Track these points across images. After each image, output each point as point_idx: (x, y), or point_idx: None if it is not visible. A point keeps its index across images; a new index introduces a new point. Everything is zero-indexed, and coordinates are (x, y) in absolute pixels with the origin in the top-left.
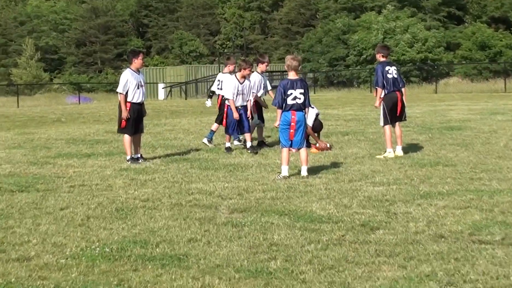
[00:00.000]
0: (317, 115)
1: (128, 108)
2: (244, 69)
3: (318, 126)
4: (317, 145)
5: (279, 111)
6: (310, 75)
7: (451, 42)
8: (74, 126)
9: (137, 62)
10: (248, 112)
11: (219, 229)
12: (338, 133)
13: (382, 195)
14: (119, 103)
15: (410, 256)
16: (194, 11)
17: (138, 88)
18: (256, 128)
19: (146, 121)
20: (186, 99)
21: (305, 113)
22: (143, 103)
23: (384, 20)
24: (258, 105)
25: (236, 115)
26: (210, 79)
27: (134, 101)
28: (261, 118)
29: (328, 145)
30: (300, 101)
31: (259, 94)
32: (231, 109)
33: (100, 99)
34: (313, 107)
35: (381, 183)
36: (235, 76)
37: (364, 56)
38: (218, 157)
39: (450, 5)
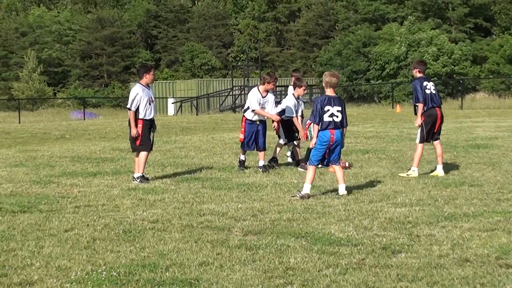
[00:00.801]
0: None
1: (141, 125)
2: (268, 83)
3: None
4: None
5: (316, 128)
6: None
7: (477, 55)
8: (79, 143)
9: (148, 77)
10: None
11: (232, 252)
12: (358, 151)
13: (404, 216)
14: (129, 120)
15: (434, 281)
16: (206, 22)
17: (149, 104)
18: (291, 146)
19: (155, 138)
20: (197, 114)
21: (343, 132)
22: (153, 118)
23: (407, 31)
24: (289, 125)
25: (275, 117)
26: (223, 94)
27: (146, 117)
28: (289, 137)
29: (347, 164)
30: (337, 119)
31: (273, 112)
32: (249, 123)
33: (106, 114)
34: None
35: (403, 204)
36: (258, 89)
37: (387, 70)
38: (231, 176)
39: (477, 16)
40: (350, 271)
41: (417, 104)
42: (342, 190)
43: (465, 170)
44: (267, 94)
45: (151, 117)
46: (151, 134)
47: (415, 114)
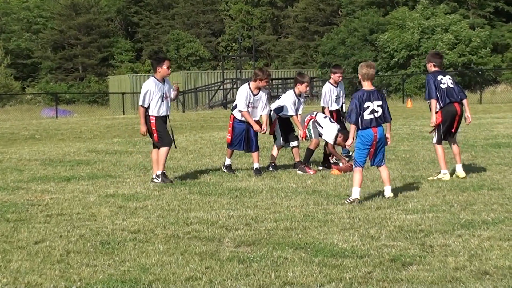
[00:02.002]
0: (338, 130)
1: (153, 121)
2: (261, 79)
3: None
4: (340, 164)
5: (353, 127)
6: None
7: (498, 43)
8: (51, 145)
9: (161, 70)
10: (263, 127)
11: (223, 265)
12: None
13: (416, 224)
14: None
15: None
16: (193, 7)
17: (162, 100)
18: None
19: (136, 138)
20: (183, 111)
21: (387, 128)
22: (168, 116)
23: (420, 17)
24: (286, 124)
25: (256, 127)
26: (212, 88)
27: (159, 114)
28: (287, 138)
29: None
30: (378, 115)
31: (264, 113)
32: (238, 122)
33: (81, 112)
34: (333, 122)
35: (415, 211)
36: (248, 85)
37: (396, 59)
38: (221, 180)
39: None
40: (355, 285)
41: (429, 101)
42: (388, 192)
43: (484, 172)
44: (259, 91)
45: (164, 114)
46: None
47: (431, 111)
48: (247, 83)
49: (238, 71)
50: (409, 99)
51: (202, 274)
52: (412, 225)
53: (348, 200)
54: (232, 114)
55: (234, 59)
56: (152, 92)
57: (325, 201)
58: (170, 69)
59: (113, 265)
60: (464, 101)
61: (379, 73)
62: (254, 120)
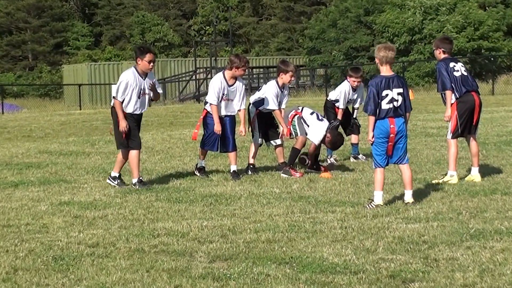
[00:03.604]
0: (328, 129)
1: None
2: (237, 67)
3: (338, 141)
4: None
5: (372, 119)
6: (321, 71)
7: None
8: None
9: (141, 64)
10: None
11: (195, 283)
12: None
13: (418, 235)
14: (112, 109)
15: None
16: None
17: (139, 97)
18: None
19: (94, 136)
20: (149, 105)
21: (406, 119)
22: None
23: None
24: (268, 120)
25: (217, 127)
26: (183, 78)
27: (129, 111)
28: (268, 136)
29: (332, 160)
30: (398, 104)
31: (242, 107)
32: (211, 117)
33: (31, 106)
34: (322, 119)
35: (417, 219)
36: (223, 74)
37: (396, 44)
38: (193, 185)
39: None
40: None
41: (443, 92)
42: (408, 197)
43: (497, 173)
44: (235, 82)
45: (138, 112)
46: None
47: (445, 104)
48: (221, 72)
49: (213, 58)
50: (411, 90)
51: None
52: (414, 236)
53: (371, 205)
54: (205, 108)
55: (208, 45)
56: (129, 85)
57: (313, 208)
58: (152, 64)
59: (68, 284)
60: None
61: (375, 61)
62: (230, 115)
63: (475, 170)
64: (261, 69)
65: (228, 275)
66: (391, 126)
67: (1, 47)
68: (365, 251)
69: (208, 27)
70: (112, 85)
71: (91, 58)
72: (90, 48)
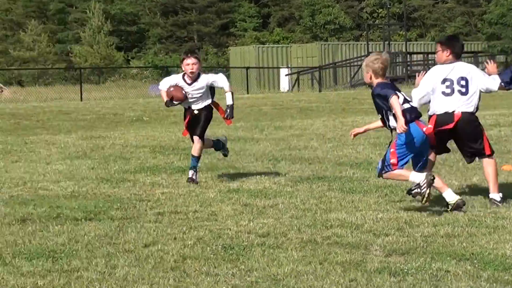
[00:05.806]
0: None
1: None
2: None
3: None
4: None
5: None
6: (501, 57)
7: None
8: (161, 128)
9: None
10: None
11: (370, 278)
12: None
13: None
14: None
15: None
16: None
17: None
18: None
19: (263, 122)
20: (320, 91)
21: None
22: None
23: None
24: None
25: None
26: (355, 63)
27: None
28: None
29: None
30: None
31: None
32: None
33: None
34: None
35: None
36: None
37: None
38: (368, 175)
39: None
40: None
41: None
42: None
43: None
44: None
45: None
46: None
47: None
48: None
49: (386, 42)
50: None
51: (346, 287)
52: None
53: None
54: None
55: (381, 28)
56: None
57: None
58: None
59: (238, 274)
60: None
61: None
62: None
63: None
64: (469, 54)
65: (405, 270)
66: None
67: (166, 27)
68: None
69: (381, 9)
70: (281, 69)
71: (259, 40)
72: (257, 30)
